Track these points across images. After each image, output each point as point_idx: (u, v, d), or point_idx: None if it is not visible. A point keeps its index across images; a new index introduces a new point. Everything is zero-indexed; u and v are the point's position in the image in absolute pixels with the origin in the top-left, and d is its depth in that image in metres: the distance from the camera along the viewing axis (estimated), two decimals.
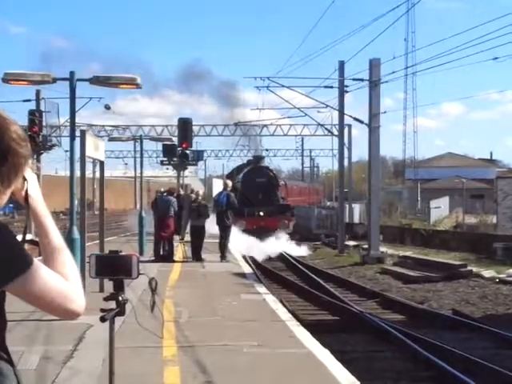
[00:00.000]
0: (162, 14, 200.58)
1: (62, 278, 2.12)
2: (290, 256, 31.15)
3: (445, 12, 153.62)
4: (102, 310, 4.24)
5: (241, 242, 27.02)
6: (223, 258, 21.43)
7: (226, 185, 22.95)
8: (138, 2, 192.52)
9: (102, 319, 4.20)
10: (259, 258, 28.44)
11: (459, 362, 12.15)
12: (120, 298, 4.32)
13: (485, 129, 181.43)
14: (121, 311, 4.31)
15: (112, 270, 4.42)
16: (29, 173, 2.15)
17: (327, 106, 38.33)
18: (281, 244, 32.26)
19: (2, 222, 2.06)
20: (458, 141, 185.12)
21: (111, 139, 37.05)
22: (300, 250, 33.78)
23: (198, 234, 21.48)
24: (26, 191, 2.14)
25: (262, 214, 34.97)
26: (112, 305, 4.38)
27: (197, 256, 21.37)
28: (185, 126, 30.37)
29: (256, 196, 36.15)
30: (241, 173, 39.29)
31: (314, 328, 12.62)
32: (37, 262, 2.06)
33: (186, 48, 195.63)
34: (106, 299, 4.40)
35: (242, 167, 42.07)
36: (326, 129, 46.51)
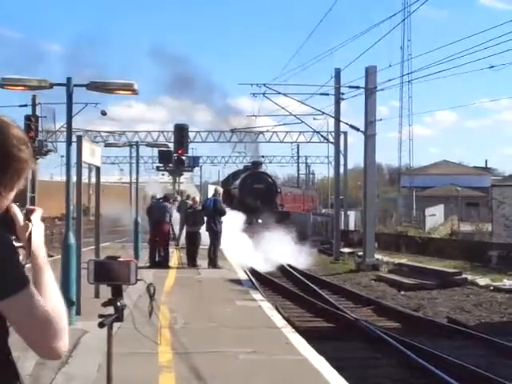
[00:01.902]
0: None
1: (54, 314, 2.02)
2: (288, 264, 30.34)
3: (437, 20, 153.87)
4: (101, 316, 4.24)
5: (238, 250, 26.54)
6: (215, 265, 21.20)
7: (215, 191, 22.78)
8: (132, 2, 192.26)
9: (101, 325, 4.20)
10: (258, 268, 26.93)
11: (454, 369, 12.16)
12: (118, 304, 4.32)
13: (479, 137, 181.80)
14: (119, 317, 4.31)
15: (110, 275, 4.42)
16: (36, 217, 2.11)
17: (323, 113, 38.43)
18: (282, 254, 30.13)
19: (5, 235, 2.00)
20: (453, 149, 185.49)
21: (107, 145, 37.02)
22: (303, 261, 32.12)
23: (194, 240, 21.45)
24: (30, 234, 2.08)
25: (260, 221, 33.92)
26: (109, 310, 4.38)
27: (192, 262, 21.35)
28: (181, 132, 30.39)
29: (254, 203, 35.39)
30: (237, 179, 38.67)
31: (309, 335, 12.61)
32: (33, 287, 1.99)
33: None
34: (104, 305, 4.40)
35: (238, 173, 41.47)
36: (321, 136, 46.60)
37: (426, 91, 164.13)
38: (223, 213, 21.71)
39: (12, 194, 2.07)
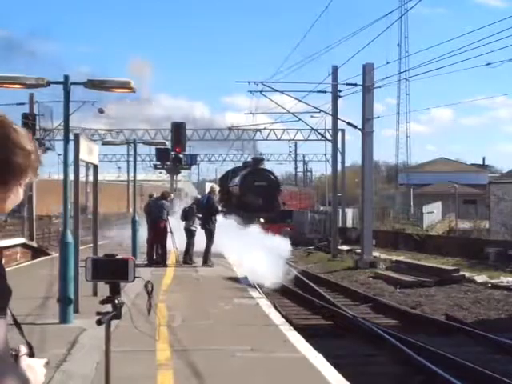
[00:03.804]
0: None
1: None
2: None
3: (433, 18, 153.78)
4: (98, 313, 4.24)
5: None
6: (206, 263, 20.93)
7: (211, 188, 22.56)
8: (129, 3, 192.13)
9: (99, 322, 4.20)
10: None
11: (452, 366, 12.18)
12: (116, 301, 4.32)
13: (476, 134, 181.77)
14: (117, 314, 4.31)
15: (108, 273, 4.42)
16: (38, 364, 1.94)
17: (320, 110, 38.38)
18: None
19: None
20: (450, 146, 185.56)
21: (104, 143, 36.97)
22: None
23: (188, 237, 21.40)
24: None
25: (262, 220, 32.35)
26: (107, 308, 4.38)
27: (184, 258, 21.27)
28: (178, 130, 30.42)
29: (256, 201, 34.13)
30: (237, 176, 37.52)
31: (307, 332, 12.63)
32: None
33: (176, 50, 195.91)
34: (103, 302, 4.40)
35: (237, 170, 39.94)
36: (319, 133, 46.55)
37: (422, 89, 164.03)
38: (215, 211, 21.36)
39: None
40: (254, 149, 47.92)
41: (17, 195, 1.98)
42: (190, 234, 21.43)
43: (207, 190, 43.95)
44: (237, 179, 36.89)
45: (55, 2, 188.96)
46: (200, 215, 21.25)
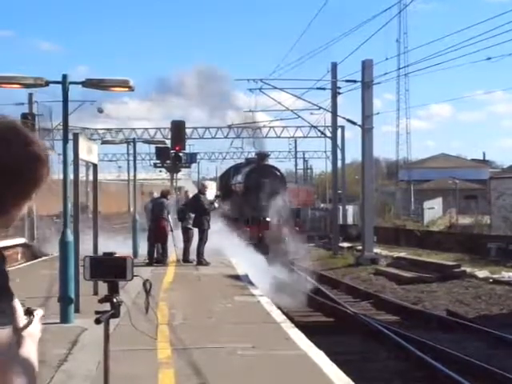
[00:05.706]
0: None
1: None
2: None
3: (432, 13, 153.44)
4: (97, 312, 4.23)
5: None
6: (198, 263, 20.72)
7: (201, 186, 22.37)
8: (131, 2, 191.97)
9: (97, 321, 4.19)
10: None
11: (453, 362, 12.19)
12: (115, 300, 4.32)
13: (476, 129, 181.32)
14: (115, 313, 4.31)
15: (106, 271, 4.41)
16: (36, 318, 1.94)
17: (320, 107, 38.36)
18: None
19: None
20: (450, 142, 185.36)
21: (104, 142, 36.89)
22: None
23: (185, 236, 21.39)
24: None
25: (268, 219, 30.73)
26: (106, 307, 4.37)
27: (184, 257, 21.25)
28: (178, 128, 30.37)
29: (261, 199, 33.34)
30: (239, 173, 36.76)
31: (309, 330, 12.61)
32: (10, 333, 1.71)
33: (176, 48, 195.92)
34: (101, 301, 4.40)
35: (239, 167, 38.77)
36: (319, 130, 46.55)
37: (422, 84, 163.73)
38: (201, 209, 21.00)
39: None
40: (256, 143, 46.42)
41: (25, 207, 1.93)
42: (187, 233, 21.42)
43: (208, 188, 43.26)
44: (239, 177, 35.92)
45: (56, 2, 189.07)
46: (193, 214, 21.26)
